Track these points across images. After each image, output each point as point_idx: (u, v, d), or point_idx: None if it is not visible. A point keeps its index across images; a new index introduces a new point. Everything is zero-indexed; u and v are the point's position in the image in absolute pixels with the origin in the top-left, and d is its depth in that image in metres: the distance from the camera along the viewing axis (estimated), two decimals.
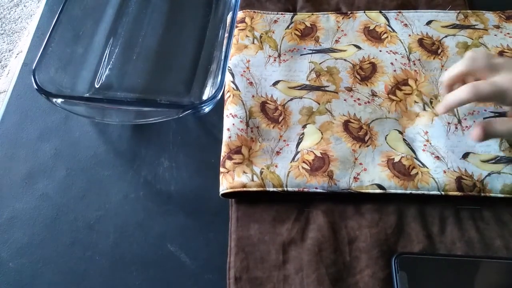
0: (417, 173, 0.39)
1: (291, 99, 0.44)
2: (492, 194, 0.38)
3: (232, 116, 0.42)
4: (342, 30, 0.49)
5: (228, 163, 0.40)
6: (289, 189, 0.39)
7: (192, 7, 0.54)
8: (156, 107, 0.44)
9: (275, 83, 0.45)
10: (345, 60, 0.46)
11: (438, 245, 0.37)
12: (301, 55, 0.47)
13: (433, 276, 0.35)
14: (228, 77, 0.45)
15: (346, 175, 0.39)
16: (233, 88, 0.44)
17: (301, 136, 0.42)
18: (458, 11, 0.50)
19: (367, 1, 0.52)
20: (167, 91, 0.47)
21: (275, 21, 0.50)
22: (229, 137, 0.41)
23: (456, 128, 0.41)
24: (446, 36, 0.48)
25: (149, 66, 0.49)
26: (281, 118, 0.43)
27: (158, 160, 0.43)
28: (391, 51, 0.47)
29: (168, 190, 0.42)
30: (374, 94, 0.44)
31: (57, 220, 0.41)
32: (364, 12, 0.50)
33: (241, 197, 0.40)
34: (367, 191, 0.38)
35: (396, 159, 0.40)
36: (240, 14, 0.50)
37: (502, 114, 0.42)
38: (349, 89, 0.44)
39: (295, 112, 0.43)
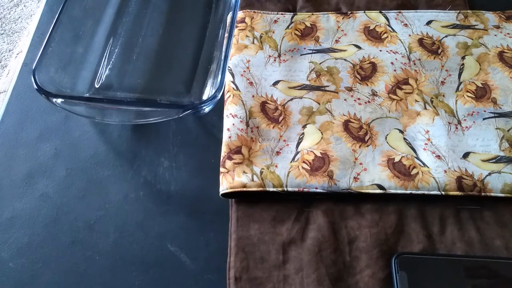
0: (417, 173, 0.39)
1: (291, 99, 0.44)
2: (492, 194, 0.38)
3: (232, 116, 0.42)
4: (342, 30, 0.49)
5: (228, 163, 0.40)
6: (289, 189, 0.39)
7: (192, 7, 0.54)
8: (156, 107, 0.44)
9: (275, 83, 0.45)
10: (345, 60, 0.46)
11: (438, 245, 0.37)
12: (301, 55, 0.47)
13: (433, 276, 0.35)
14: (228, 77, 0.45)
15: (346, 175, 0.39)
16: (233, 88, 0.44)
17: (301, 136, 0.42)
18: (458, 11, 0.50)
19: (367, 1, 0.52)
20: (167, 91, 0.47)
21: (275, 21, 0.50)
22: (229, 137, 0.41)
23: (457, 128, 0.41)
24: (446, 36, 0.48)
25: (149, 66, 0.49)
26: (281, 118, 0.43)
27: (158, 160, 0.43)
28: (391, 50, 0.47)
29: (168, 190, 0.42)
30: (374, 94, 0.44)
31: (57, 220, 0.41)
32: (364, 12, 0.50)
33: (241, 197, 0.40)
34: (367, 191, 0.38)
35: (397, 159, 0.40)
36: (240, 14, 0.50)
37: (502, 115, 0.42)
38: (349, 89, 0.44)
39: (295, 112, 0.43)
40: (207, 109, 0.41)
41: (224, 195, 0.39)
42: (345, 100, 0.44)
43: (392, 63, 0.46)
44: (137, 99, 0.47)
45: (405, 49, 0.47)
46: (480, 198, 0.38)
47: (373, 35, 0.48)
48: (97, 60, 0.49)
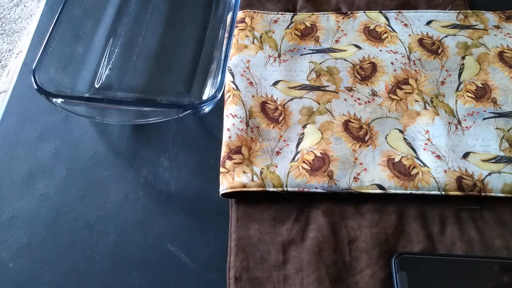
0: (417, 173, 0.39)
1: (291, 99, 0.44)
2: (492, 194, 0.38)
3: (232, 116, 0.42)
4: (342, 30, 0.49)
5: (228, 163, 0.40)
6: (289, 189, 0.39)
7: (192, 7, 0.54)
8: (156, 107, 0.44)
9: (275, 83, 0.45)
10: (345, 60, 0.46)
11: (438, 245, 0.37)
12: (301, 55, 0.47)
13: (433, 276, 0.35)
14: (228, 77, 0.45)
15: (346, 175, 0.39)
16: (233, 88, 0.44)
17: (301, 136, 0.42)
18: (458, 11, 0.50)
19: (367, 1, 0.52)
20: (167, 91, 0.47)
21: (275, 21, 0.50)
22: (229, 137, 0.41)
23: (457, 128, 0.41)
24: (446, 36, 0.48)
25: (149, 66, 0.49)
26: (281, 118, 0.43)
27: (158, 160, 0.43)
28: (391, 50, 0.47)
29: (168, 190, 0.42)
30: (374, 94, 0.44)
31: (57, 220, 0.41)
32: (364, 12, 0.50)
33: (241, 197, 0.40)
34: (367, 191, 0.38)
35: (397, 159, 0.40)
36: (240, 14, 0.50)
37: (502, 115, 0.42)
38: (349, 89, 0.44)
39: (295, 112, 0.43)
40: (207, 109, 0.41)
41: (224, 195, 0.39)
42: (345, 100, 0.44)
43: (392, 63, 0.46)
44: (137, 99, 0.47)
45: (405, 49, 0.47)
46: (480, 198, 0.38)
47: (373, 35, 0.48)
48: (97, 60, 0.49)
